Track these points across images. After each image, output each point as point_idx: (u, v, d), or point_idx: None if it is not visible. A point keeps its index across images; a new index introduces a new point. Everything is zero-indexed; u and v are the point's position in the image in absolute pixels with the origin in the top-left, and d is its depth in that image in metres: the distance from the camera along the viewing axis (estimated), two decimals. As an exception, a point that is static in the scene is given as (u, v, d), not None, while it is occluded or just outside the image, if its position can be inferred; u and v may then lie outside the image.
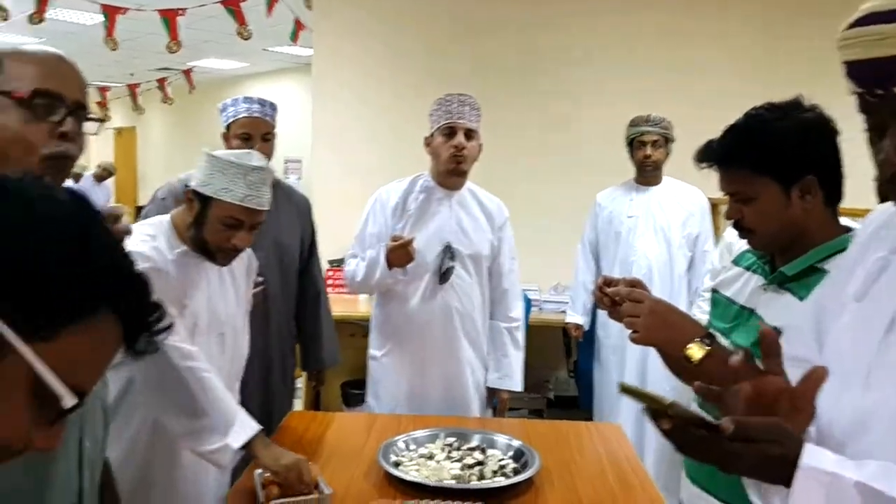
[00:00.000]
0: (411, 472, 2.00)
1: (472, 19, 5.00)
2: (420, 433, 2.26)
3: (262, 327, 2.59)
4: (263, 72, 11.13)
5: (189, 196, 1.92)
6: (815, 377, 0.95)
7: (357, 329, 4.00)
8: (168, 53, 6.12)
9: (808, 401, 0.97)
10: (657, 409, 0.93)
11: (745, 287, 1.62)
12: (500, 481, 1.95)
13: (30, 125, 1.18)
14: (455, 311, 2.78)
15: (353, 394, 4.26)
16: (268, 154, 2.54)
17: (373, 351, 2.90)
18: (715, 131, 1.52)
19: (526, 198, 4.79)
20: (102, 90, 10.96)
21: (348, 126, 5.11)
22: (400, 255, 2.63)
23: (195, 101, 10.54)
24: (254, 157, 1.92)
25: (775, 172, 1.44)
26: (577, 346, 4.35)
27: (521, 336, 2.96)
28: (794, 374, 1.00)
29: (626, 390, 0.96)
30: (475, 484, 1.94)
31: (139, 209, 9.89)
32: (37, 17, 5.23)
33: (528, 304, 4.28)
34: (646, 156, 3.60)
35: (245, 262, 2.18)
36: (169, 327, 0.77)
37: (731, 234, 2.87)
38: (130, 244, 1.80)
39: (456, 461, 2.08)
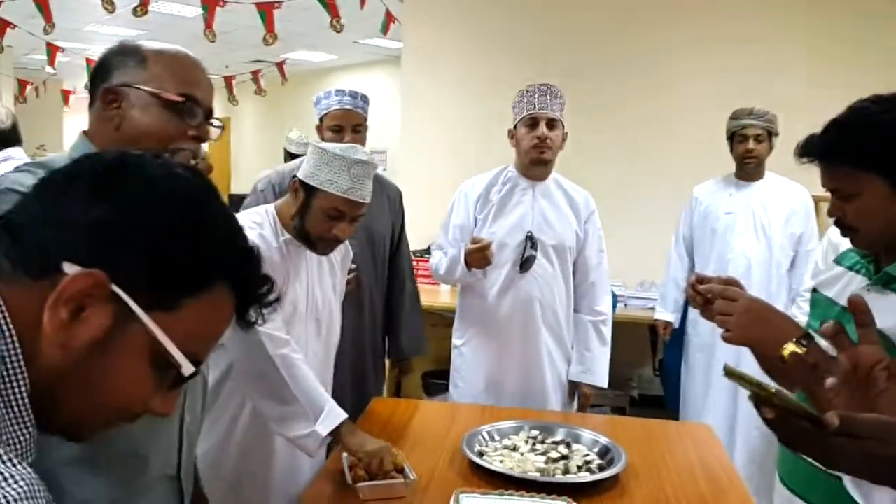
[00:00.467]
0: (495, 462, 2.00)
1: (566, 12, 4.95)
2: (504, 424, 2.26)
3: (356, 315, 2.65)
4: (353, 64, 11.28)
5: (295, 186, 1.98)
6: None
7: (439, 319, 4.03)
8: (263, 46, 6.28)
9: None
10: (762, 396, 0.89)
11: (848, 287, 1.54)
12: (586, 476, 1.93)
13: (169, 123, 1.24)
14: (536, 301, 2.77)
15: (434, 383, 4.29)
16: (360, 145, 2.59)
17: (455, 340, 2.93)
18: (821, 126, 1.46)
19: (612, 192, 4.72)
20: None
21: (436, 118, 5.14)
22: (477, 258, 2.64)
23: (286, 93, 10.77)
24: (358, 151, 1.95)
25: (880, 167, 1.37)
26: (663, 344, 4.26)
27: (607, 331, 2.91)
28: None
29: (731, 373, 0.92)
30: (560, 478, 1.92)
31: (231, 198, 10.21)
32: (141, 11, 5.44)
33: (615, 299, 4.21)
34: (748, 150, 3.46)
35: (342, 252, 2.23)
36: (278, 299, 0.79)
37: (835, 232, 2.75)
38: None
39: (540, 454, 2.07)
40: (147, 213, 0.69)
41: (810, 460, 0.95)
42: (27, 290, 0.66)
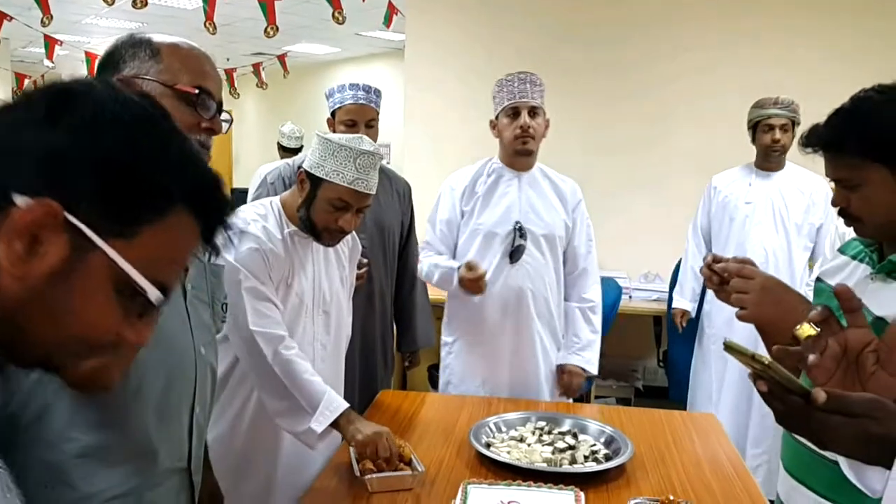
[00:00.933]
0: (503, 453, 2.01)
1: (571, 3, 4.93)
2: (511, 416, 2.27)
3: (366, 307, 2.66)
4: (355, 56, 11.25)
5: (301, 177, 1.98)
6: None
7: (441, 312, 4.03)
8: (264, 38, 6.26)
9: (894, 352, 0.94)
10: (756, 370, 0.90)
11: (851, 277, 1.54)
12: (592, 466, 1.94)
13: (182, 115, 1.25)
14: (528, 291, 2.73)
15: (439, 376, 4.29)
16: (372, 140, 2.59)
17: (445, 337, 2.90)
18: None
19: (616, 184, 4.73)
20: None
21: (440, 111, 5.13)
22: (471, 286, 2.60)
23: (288, 86, 10.75)
24: (364, 142, 1.96)
25: (884, 157, 1.37)
26: (667, 335, 4.26)
27: (597, 319, 2.85)
28: None
29: (730, 347, 0.93)
30: (567, 468, 1.93)
31: (233, 192, 10.20)
32: (141, 3, 5.41)
33: (620, 291, 4.21)
34: (774, 140, 3.42)
35: (350, 245, 2.24)
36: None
37: (841, 222, 2.74)
38: (241, 224, 1.88)
39: (547, 445, 2.08)
40: (97, 138, 0.68)
41: (810, 445, 0.95)
42: None
